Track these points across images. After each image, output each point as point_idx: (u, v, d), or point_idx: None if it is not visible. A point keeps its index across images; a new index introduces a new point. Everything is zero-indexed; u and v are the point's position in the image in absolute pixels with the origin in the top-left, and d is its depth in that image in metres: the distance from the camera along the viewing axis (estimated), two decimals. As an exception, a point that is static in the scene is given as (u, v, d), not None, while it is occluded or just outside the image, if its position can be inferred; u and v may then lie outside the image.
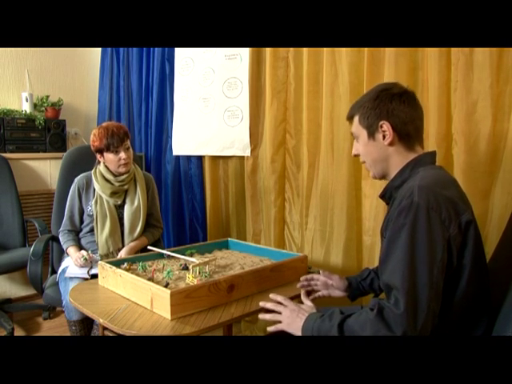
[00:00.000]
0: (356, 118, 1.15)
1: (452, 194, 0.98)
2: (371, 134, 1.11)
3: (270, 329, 1.13)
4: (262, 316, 1.17)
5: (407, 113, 1.07)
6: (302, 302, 1.51)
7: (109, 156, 1.88)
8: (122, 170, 1.90)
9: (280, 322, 1.12)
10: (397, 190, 1.08)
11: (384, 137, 1.09)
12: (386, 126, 1.08)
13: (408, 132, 1.08)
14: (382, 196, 1.18)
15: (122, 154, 1.87)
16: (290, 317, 1.11)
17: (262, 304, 1.20)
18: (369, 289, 1.37)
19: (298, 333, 1.07)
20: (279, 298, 1.19)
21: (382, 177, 1.17)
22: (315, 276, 1.44)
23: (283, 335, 1.12)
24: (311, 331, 1.03)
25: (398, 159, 1.10)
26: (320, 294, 1.40)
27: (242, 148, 2.33)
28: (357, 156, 1.20)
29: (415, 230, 0.94)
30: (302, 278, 1.44)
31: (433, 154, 1.13)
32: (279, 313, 1.14)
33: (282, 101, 2.15)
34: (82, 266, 1.76)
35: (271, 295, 1.22)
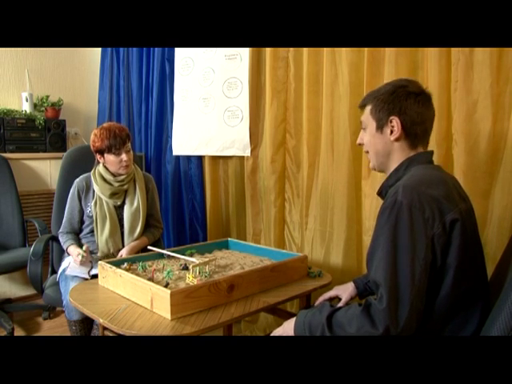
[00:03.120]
0: (368, 108, 1.16)
1: (438, 193, 0.98)
2: (380, 127, 1.13)
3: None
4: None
5: (419, 113, 1.09)
6: (302, 304, 1.52)
7: (110, 157, 1.87)
8: (122, 171, 1.90)
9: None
10: (391, 188, 1.09)
11: (391, 132, 1.11)
12: (395, 122, 1.09)
13: (416, 132, 1.10)
14: (379, 193, 1.21)
15: (124, 156, 1.87)
16: (285, 324, 1.16)
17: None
18: None
19: (291, 331, 1.11)
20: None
21: (381, 170, 1.19)
22: (326, 297, 1.44)
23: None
24: (303, 325, 1.06)
25: (399, 156, 1.12)
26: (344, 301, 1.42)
27: (242, 148, 2.33)
28: (361, 145, 1.21)
29: (397, 227, 0.95)
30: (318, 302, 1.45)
31: (428, 154, 1.14)
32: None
33: (282, 101, 2.15)
34: (82, 264, 1.76)
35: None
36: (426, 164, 1.11)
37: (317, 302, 1.43)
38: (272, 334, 1.19)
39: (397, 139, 1.11)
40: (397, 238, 0.95)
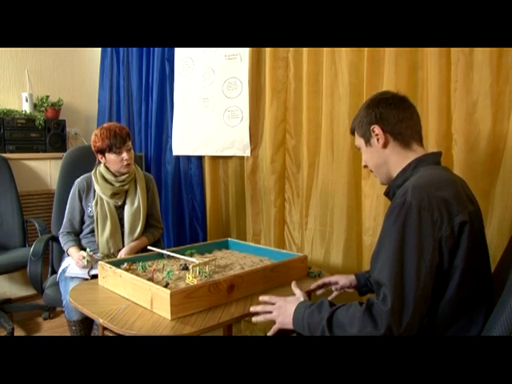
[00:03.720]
0: (356, 131, 1.21)
1: (447, 194, 0.98)
2: (367, 141, 1.17)
3: (269, 333, 1.16)
4: (254, 319, 1.19)
5: (395, 114, 1.12)
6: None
7: (111, 157, 1.87)
8: (123, 170, 1.90)
9: (274, 321, 1.15)
10: (399, 189, 1.09)
11: (378, 140, 1.14)
12: (377, 130, 1.13)
13: (400, 131, 1.12)
14: (386, 194, 1.21)
15: (125, 155, 1.87)
16: (280, 314, 1.14)
17: (252, 309, 1.21)
18: None
19: (291, 326, 1.10)
20: (266, 298, 1.21)
21: (389, 181, 1.19)
22: (326, 280, 1.45)
23: (283, 335, 1.13)
24: (302, 322, 1.06)
25: (397, 159, 1.13)
26: (334, 295, 1.43)
27: (242, 148, 2.33)
28: (366, 167, 1.24)
29: (405, 228, 0.95)
30: (313, 286, 1.45)
31: (436, 155, 1.14)
32: (270, 312, 1.16)
33: (282, 101, 2.15)
34: (83, 267, 1.76)
35: (260, 297, 1.23)
36: (434, 165, 1.11)
37: (314, 285, 1.44)
38: (270, 332, 1.15)
39: (385, 145, 1.13)
40: (404, 239, 0.95)
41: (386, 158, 1.14)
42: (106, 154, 1.88)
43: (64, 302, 1.76)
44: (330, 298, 1.39)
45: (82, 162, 2.16)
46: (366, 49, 1.77)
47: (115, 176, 1.92)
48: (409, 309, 0.91)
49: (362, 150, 1.21)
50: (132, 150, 1.93)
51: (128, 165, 1.89)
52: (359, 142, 1.21)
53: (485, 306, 1.01)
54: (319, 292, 1.45)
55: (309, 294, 1.58)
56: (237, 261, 1.64)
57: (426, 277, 0.93)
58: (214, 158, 2.52)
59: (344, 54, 1.85)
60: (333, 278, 1.44)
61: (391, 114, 1.12)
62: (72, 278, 1.77)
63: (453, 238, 0.95)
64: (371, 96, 1.21)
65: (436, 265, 0.95)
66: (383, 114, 1.13)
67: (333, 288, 1.44)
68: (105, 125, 1.92)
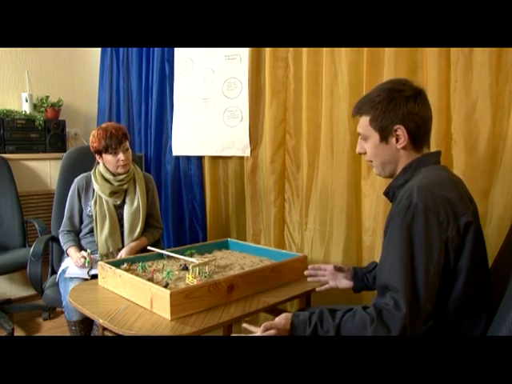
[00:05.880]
0: (365, 119, 1.11)
1: (451, 195, 0.98)
2: (384, 138, 1.09)
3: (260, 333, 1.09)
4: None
5: (421, 116, 1.06)
6: (302, 304, 1.49)
7: (107, 157, 1.88)
8: (120, 170, 1.91)
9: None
10: (399, 189, 1.08)
11: (397, 140, 1.08)
12: (401, 131, 1.06)
13: (419, 134, 1.08)
14: (386, 194, 1.18)
15: (121, 156, 1.87)
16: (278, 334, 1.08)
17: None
18: (373, 282, 1.35)
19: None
20: (252, 328, 1.10)
21: (389, 176, 1.16)
22: (322, 266, 1.42)
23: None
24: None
25: (406, 160, 1.10)
26: (328, 286, 1.39)
27: (241, 148, 2.33)
28: (361, 154, 1.18)
29: (412, 230, 0.94)
30: (309, 267, 1.42)
31: (436, 154, 1.13)
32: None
33: (282, 101, 2.15)
34: (82, 267, 1.77)
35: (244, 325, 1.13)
36: (435, 165, 1.10)
37: (308, 269, 1.40)
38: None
39: (405, 147, 1.08)
40: (412, 241, 0.94)
41: (398, 159, 1.10)
42: (103, 155, 1.89)
43: (64, 303, 1.76)
44: (323, 288, 1.37)
45: (82, 162, 2.16)
46: (365, 49, 1.77)
47: (114, 175, 1.92)
48: (421, 311, 0.92)
49: (370, 142, 1.12)
50: (129, 151, 1.93)
51: (124, 165, 1.90)
52: (369, 133, 1.10)
53: (487, 307, 1.01)
54: (310, 279, 1.41)
55: (307, 296, 1.58)
56: (237, 261, 1.64)
57: (434, 277, 0.93)
58: (214, 158, 2.52)
59: (344, 53, 1.85)
60: (329, 266, 1.41)
61: (417, 116, 1.05)
62: (72, 278, 1.77)
63: (458, 238, 0.95)
64: (394, 85, 1.10)
65: (442, 265, 0.95)
66: (411, 114, 1.05)
67: (327, 269, 1.39)
68: (103, 125, 1.93)
